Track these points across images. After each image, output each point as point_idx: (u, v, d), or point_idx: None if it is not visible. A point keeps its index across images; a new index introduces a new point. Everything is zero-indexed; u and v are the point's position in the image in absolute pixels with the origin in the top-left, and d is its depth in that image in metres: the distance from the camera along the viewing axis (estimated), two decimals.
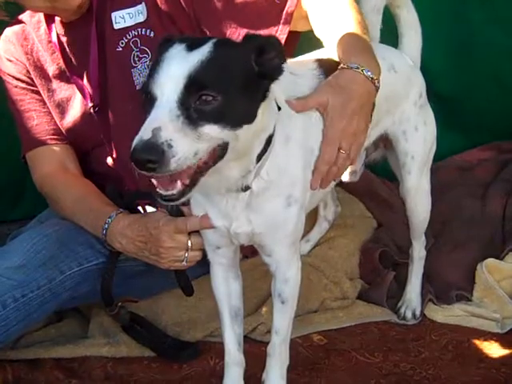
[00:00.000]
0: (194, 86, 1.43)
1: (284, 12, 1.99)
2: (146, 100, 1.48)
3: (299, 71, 1.84)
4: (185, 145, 1.41)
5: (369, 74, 1.70)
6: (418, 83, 2.21)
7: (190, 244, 1.92)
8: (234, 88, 1.48)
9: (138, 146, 1.39)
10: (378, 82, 1.73)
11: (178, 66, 1.45)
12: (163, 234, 1.92)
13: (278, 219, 1.76)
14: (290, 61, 1.87)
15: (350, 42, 1.80)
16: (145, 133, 1.40)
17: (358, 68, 1.70)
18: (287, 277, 1.86)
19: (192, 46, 1.49)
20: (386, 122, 2.13)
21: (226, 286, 1.94)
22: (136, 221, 2.01)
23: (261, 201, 1.72)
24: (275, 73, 1.55)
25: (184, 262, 1.97)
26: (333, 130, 1.73)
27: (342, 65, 1.75)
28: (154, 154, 1.38)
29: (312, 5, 1.97)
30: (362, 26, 1.87)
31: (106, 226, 2.05)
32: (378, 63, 1.77)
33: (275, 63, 1.55)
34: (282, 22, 1.98)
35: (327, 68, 1.82)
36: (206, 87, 1.43)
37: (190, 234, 1.91)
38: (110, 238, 2.06)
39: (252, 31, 1.93)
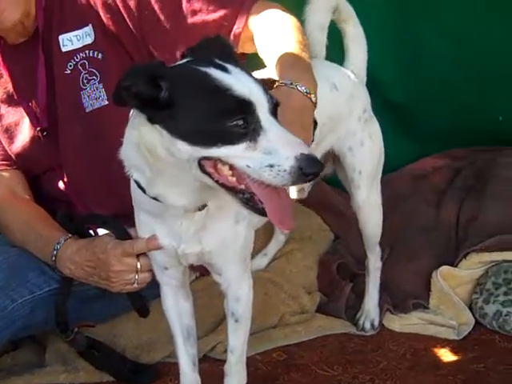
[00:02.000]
0: (274, 101, 1.49)
1: (232, 34, 1.99)
2: (227, 101, 1.43)
3: None
4: None
5: (303, 88, 1.72)
6: (362, 99, 2.23)
7: (139, 266, 1.91)
8: None
9: (308, 162, 1.40)
10: (315, 97, 1.74)
11: (253, 81, 1.48)
12: (111, 257, 1.90)
13: (228, 236, 1.77)
14: None
15: (287, 61, 1.81)
16: (303, 148, 1.43)
17: (291, 84, 1.72)
18: (239, 295, 1.87)
19: (223, 67, 1.49)
20: (331, 139, 2.15)
21: (176, 306, 1.94)
22: (84, 246, 1.99)
23: (214, 220, 1.73)
24: None
25: (135, 285, 1.95)
26: None
27: (277, 83, 1.76)
28: (322, 165, 1.44)
29: (258, 26, 1.98)
30: (303, 45, 1.89)
31: (55, 252, 2.02)
32: (314, 80, 1.78)
33: None
34: None
35: (268, 86, 1.83)
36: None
37: (138, 256, 1.90)
38: (60, 264, 2.03)
39: None
